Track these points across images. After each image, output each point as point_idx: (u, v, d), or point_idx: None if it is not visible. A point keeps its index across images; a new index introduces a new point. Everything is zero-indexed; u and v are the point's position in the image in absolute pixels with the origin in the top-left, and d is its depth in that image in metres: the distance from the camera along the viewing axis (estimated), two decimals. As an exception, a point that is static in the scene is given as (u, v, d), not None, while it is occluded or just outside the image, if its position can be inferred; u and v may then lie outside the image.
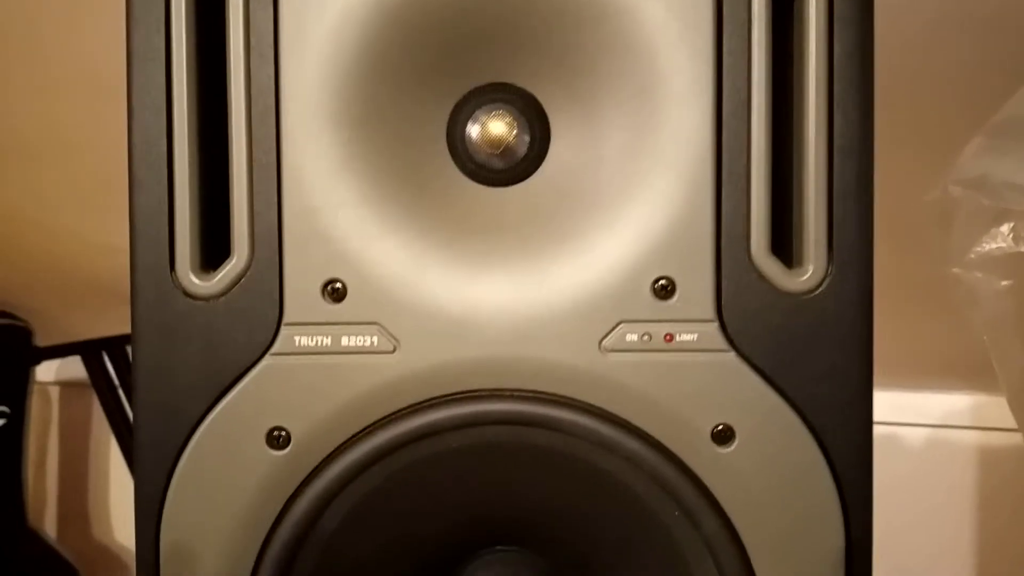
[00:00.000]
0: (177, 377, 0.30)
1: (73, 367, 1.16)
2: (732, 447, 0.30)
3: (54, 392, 1.22)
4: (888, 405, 0.83)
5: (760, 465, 0.30)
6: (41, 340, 1.07)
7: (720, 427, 0.30)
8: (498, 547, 0.34)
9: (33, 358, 1.08)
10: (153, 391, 0.30)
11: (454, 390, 0.30)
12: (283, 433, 0.30)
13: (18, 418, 1.07)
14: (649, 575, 0.32)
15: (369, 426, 0.30)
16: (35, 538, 1.08)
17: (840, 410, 0.30)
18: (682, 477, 0.30)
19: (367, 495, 0.31)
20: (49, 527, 1.19)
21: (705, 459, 0.30)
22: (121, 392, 1.02)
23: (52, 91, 0.76)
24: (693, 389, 0.30)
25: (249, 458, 0.30)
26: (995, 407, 0.81)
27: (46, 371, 1.18)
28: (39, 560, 1.07)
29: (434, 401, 0.30)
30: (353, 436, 0.30)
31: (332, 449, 0.30)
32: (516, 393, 0.30)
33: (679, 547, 0.31)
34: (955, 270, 0.42)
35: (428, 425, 0.30)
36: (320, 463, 0.30)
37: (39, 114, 0.80)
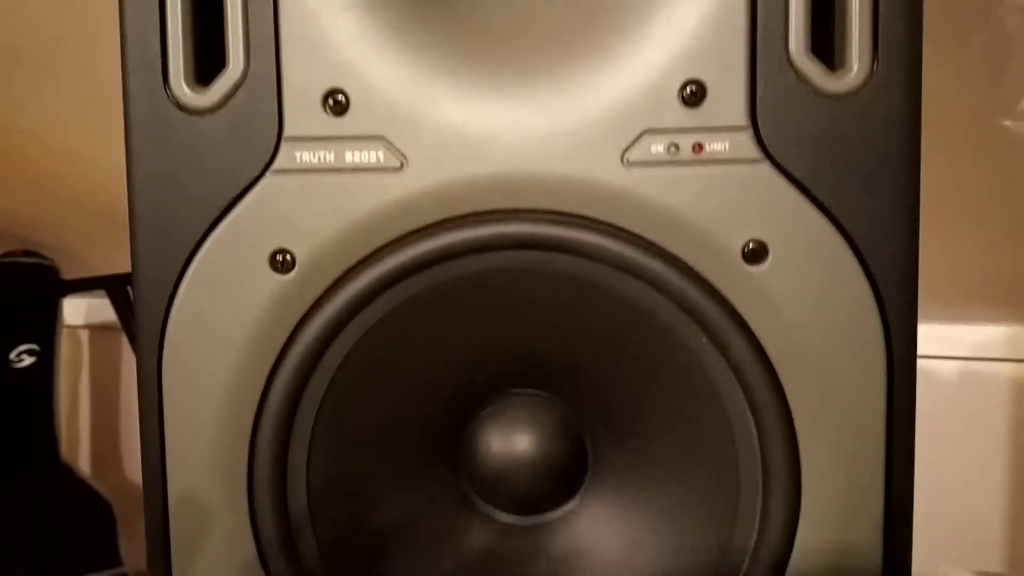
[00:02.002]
0: (175, 198, 0.29)
1: (102, 310, 1.16)
2: (764, 265, 0.28)
3: (84, 335, 1.22)
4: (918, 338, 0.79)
5: (794, 284, 0.28)
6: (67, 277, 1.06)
7: (752, 244, 0.28)
8: (516, 389, 0.33)
9: (59, 291, 1.08)
10: (150, 213, 0.29)
11: (467, 211, 0.28)
12: (287, 256, 0.28)
13: (48, 354, 1.07)
14: (676, 409, 0.30)
15: (378, 250, 0.29)
16: (69, 473, 1.09)
17: (883, 224, 0.28)
18: (709, 300, 0.28)
19: (377, 326, 0.29)
20: (83, 469, 1.20)
21: (735, 280, 0.28)
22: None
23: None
24: (723, 203, 0.28)
25: (252, 282, 0.28)
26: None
27: (75, 314, 1.18)
28: (73, 494, 1.09)
29: (445, 223, 0.28)
30: (361, 260, 0.29)
31: (339, 274, 0.29)
32: (533, 213, 0.28)
33: (707, 376, 0.29)
34: (1007, 123, 0.38)
35: (439, 249, 0.28)
36: (327, 289, 0.29)
37: (51, 11, 0.75)
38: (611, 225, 0.28)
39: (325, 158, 0.28)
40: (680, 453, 0.30)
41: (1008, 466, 0.80)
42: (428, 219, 0.28)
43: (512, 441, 0.32)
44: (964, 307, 0.79)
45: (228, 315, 0.29)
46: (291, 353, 0.29)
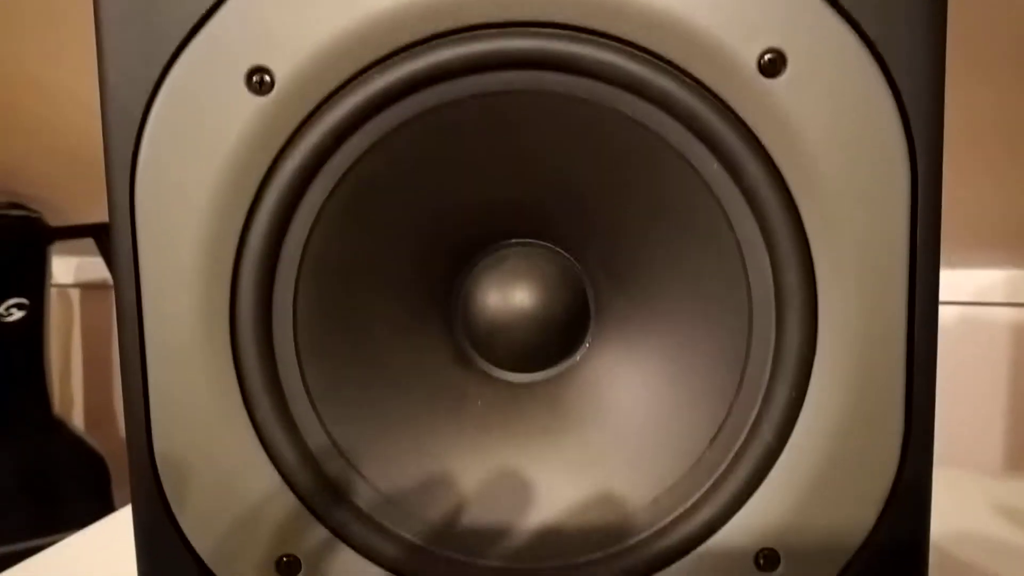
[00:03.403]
0: (145, 13, 0.26)
1: (92, 268, 1.15)
2: (782, 78, 0.26)
3: (75, 295, 1.21)
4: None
5: (814, 98, 0.26)
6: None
7: (768, 55, 0.26)
8: (513, 238, 0.31)
9: (47, 238, 1.06)
10: (119, 30, 0.26)
11: (458, 25, 0.26)
12: (266, 75, 0.26)
13: (37, 308, 1.05)
14: (684, 246, 0.28)
15: (363, 70, 0.26)
16: (62, 428, 1.08)
17: (908, 32, 0.26)
18: (722, 118, 0.26)
19: (365, 157, 0.27)
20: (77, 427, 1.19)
21: (750, 95, 0.26)
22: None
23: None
24: (738, 9, 0.26)
25: (229, 104, 0.26)
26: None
27: (65, 272, 1.16)
28: (67, 448, 1.07)
29: (435, 39, 0.26)
30: (346, 82, 0.26)
31: (323, 96, 0.27)
32: (531, 26, 0.26)
33: (719, 205, 0.27)
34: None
35: (429, 67, 0.26)
36: (310, 113, 0.27)
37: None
38: (615, 38, 0.26)
39: (305, -36, 0.26)
40: (689, 294, 0.29)
41: (1009, 411, 0.79)
42: (417, 35, 0.26)
43: (510, 293, 0.31)
44: (965, 252, 0.78)
45: (204, 141, 0.27)
46: (273, 183, 0.27)
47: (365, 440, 0.29)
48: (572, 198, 0.29)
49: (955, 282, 0.80)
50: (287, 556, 0.28)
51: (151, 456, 0.28)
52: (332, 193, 0.27)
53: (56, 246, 1.07)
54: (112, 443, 1.17)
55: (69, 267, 1.17)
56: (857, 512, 0.27)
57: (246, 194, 0.27)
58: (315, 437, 0.28)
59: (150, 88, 0.26)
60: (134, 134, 0.27)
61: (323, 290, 0.28)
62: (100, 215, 0.99)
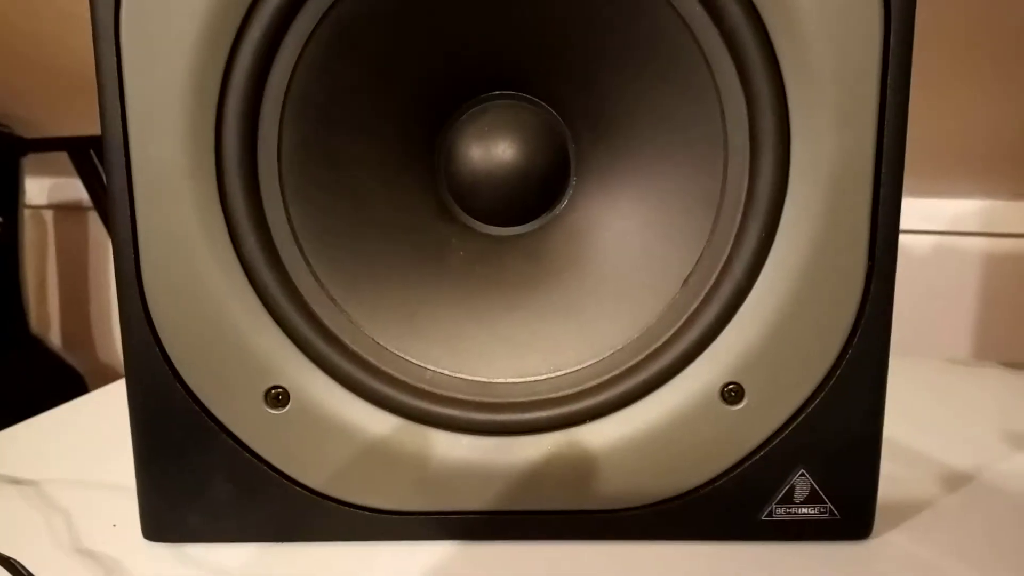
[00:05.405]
0: None
1: (66, 189, 1.13)
2: (764, -82, 0.26)
3: (48, 216, 1.19)
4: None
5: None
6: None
7: None
8: (496, 91, 0.31)
9: (20, 150, 1.04)
10: None
11: None
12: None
13: (11, 224, 1.04)
14: (664, 95, 0.29)
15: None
16: (39, 345, 1.08)
17: None
18: (705, -41, 0.26)
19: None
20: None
21: (732, -65, 0.26)
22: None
23: None
24: None
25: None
26: (1005, 211, 0.77)
27: (39, 194, 1.14)
28: (44, 365, 1.07)
29: None
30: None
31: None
32: None
33: (699, 51, 0.28)
34: None
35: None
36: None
37: None
38: None
39: None
40: (667, 141, 0.29)
41: (978, 338, 0.81)
42: None
43: (492, 146, 0.31)
44: (938, 179, 0.79)
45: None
46: (256, 17, 0.27)
47: (348, 280, 0.30)
48: (554, 47, 0.30)
49: (930, 210, 0.82)
50: (275, 388, 0.29)
51: (140, 291, 0.28)
52: (315, 32, 0.28)
53: (29, 166, 1.05)
54: (89, 364, 1.17)
55: (42, 188, 1.15)
56: (819, 349, 0.29)
57: (230, 28, 0.27)
58: (300, 275, 0.29)
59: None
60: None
61: (307, 133, 0.29)
62: (73, 130, 0.97)
